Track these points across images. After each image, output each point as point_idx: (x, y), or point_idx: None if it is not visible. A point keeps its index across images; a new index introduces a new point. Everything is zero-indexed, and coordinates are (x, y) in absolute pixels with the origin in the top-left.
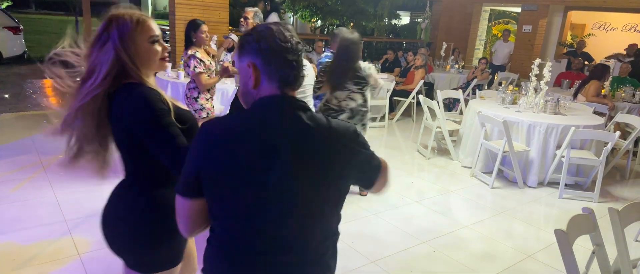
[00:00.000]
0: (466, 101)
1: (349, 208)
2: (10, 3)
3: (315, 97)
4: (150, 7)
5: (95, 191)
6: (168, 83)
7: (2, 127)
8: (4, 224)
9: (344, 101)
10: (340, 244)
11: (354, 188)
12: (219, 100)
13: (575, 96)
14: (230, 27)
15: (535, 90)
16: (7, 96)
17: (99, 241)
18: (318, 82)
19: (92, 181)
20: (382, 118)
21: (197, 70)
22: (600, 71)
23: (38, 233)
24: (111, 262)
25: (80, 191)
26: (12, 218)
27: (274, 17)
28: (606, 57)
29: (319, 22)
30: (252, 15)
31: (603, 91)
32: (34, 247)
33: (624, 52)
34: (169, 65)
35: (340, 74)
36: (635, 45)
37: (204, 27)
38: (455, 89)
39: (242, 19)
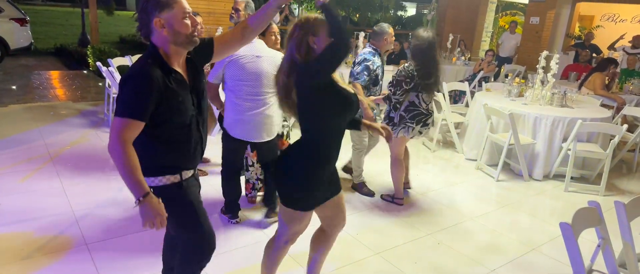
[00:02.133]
0: (472, 93)
1: (353, 200)
2: None
3: (398, 103)
4: None
5: (102, 182)
6: None
7: (10, 118)
8: (12, 215)
9: (430, 104)
10: (344, 235)
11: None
12: None
13: (579, 87)
14: None
15: (542, 82)
16: (14, 87)
17: (105, 230)
18: (405, 85)
19: (98, 171)
20: None
21: None
22: (604, 63)
23: (46, 223)
24: (118, 251)
25: (87, 182)
26: (21, 208)
27: None
28: (609, 47)
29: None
30: (244, 7)
31: (616, 86)
32: (42, 237)
33: (629, 44)
34: None
35: (434, 77)
36: None
37: (274, 28)
38: (461, 81)
39: (232, 11)
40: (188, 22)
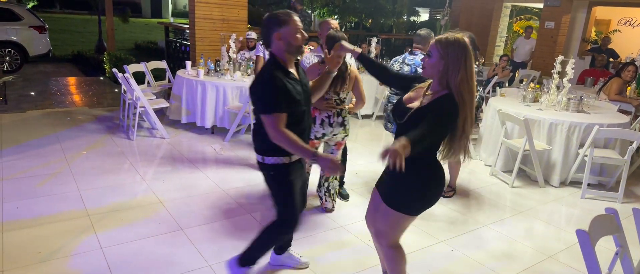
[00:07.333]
0: (486, 99)
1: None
2: (35, 2)
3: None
4: (170, 5)
5: (117, 187)
6: (184, 80)
7: (28, 124)
8: (29, 218)
9: None
10: (357, 242)
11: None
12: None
13: (598, 93)
14: (248, 26)
15: (558, 88)
16: (33, 93)
17: (121, 234)
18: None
19: (113, 176)
20: None
21: None
22: (623, 66)
23: (62, 227)
24: (132, 256)
25: (102, 186)
26: (38, 212)
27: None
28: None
29: (337, 19)
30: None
31: (628, 89)
32: (58, 240)
33: None
34: (188, 63)
35: None
36: None
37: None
38: None
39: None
40: (299, 36)
